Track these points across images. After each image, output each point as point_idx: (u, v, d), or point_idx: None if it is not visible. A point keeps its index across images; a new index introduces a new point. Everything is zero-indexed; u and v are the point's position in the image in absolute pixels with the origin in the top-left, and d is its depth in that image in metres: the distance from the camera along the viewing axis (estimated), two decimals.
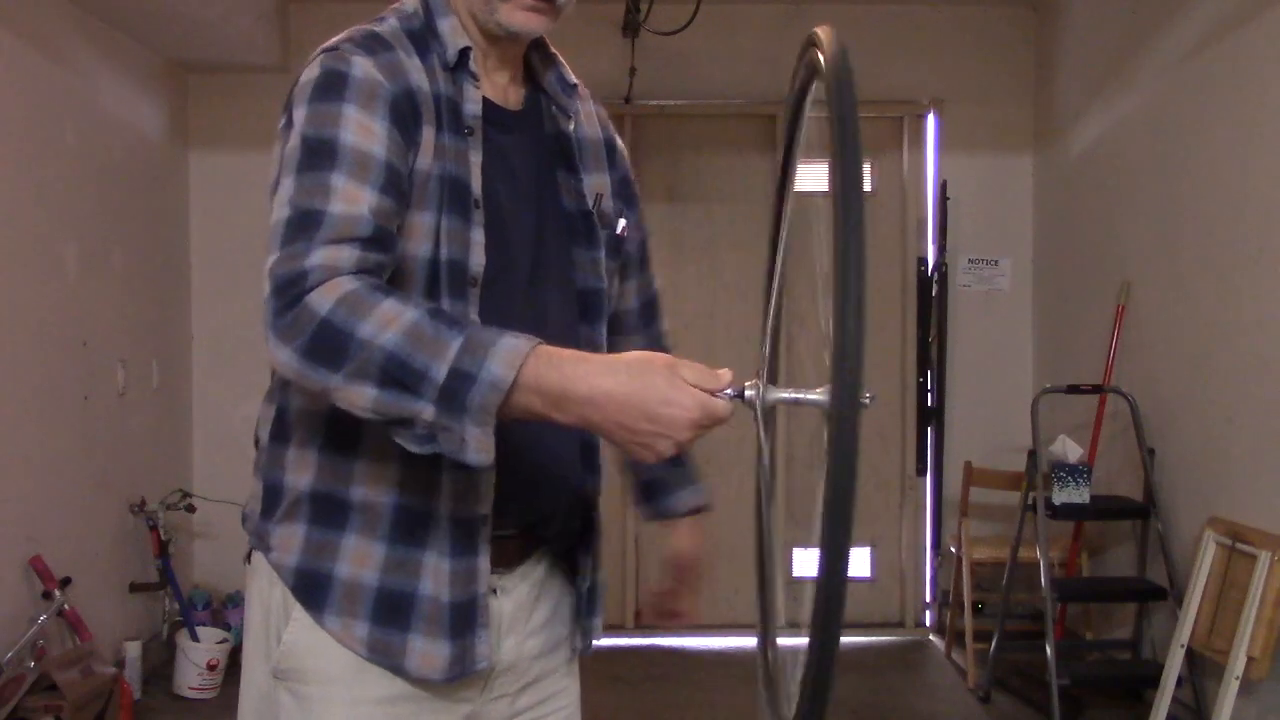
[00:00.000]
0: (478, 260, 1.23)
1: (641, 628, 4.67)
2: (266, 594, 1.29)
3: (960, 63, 4.95)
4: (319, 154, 1.15)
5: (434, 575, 1.24)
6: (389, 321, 1.04)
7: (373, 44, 1.22)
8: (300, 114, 1.19)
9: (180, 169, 4.78)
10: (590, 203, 1.36)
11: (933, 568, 5.03)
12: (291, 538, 1.26)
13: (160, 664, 4.27)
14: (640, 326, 1.57)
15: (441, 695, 1.28)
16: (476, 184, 1.24)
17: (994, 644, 4.06)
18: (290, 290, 1.08)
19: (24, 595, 3.46)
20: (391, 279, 1.17)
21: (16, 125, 3.50)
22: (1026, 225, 5.00)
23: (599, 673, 4.47)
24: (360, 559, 1.24)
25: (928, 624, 5.06)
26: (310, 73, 1.21)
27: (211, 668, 4.11)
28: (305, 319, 1.06)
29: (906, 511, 5.06)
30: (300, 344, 1.06)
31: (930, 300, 4.97)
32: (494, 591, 1.30)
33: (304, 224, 1.12)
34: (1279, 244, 3.24)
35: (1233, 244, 3.47)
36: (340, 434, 1.24)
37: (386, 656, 1.24)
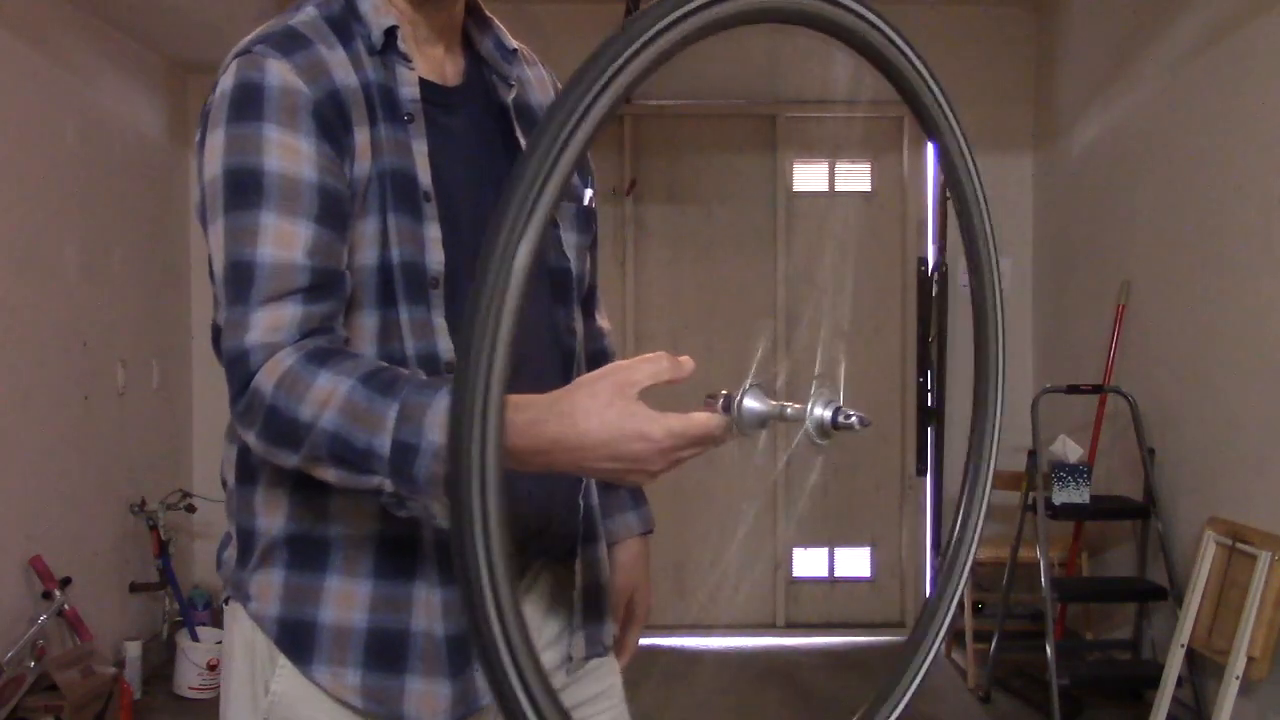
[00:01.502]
0: (435, 258, 1.13)
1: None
2: (250, 639, 1.20)
3: (960, 63, 4.95)
4: (243, 189, 1.06)
5: (425, 609, 1.15)
6: (325, 401, 1.00)
7: (288, 42, 1.11)
8: (218, 139, 1.09)
9: (180, 169, 4.78)
10: None
11: (933, 568, 5.03)
12: (269, 586, 1.18)
13: (160, 664, 4.27)
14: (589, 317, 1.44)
15: None
16: (424, 175, 1.14)
17: (994, 644, 4.06)
18: (238, 372, 1.07)
19: (24, 595, 3.46)
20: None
21: (16, 125, 3.50)
22: (1026, 225, 5.00)
23: None
24: (345, 601, 1.15)
25: None
26: (225, 83, 1.10)
27: (211, 668, 4.11)
28: (256, 405, 1.05)
29: (906, 511, 5.07)
30: (258, 430, 1.05)
31: (930, 300, 4.97)
32: None
33: (239, 279, 1.06)
34: (1278, 243, 3.24)
35: (1233, 244, 3.47)
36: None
37: (383, 704, 1.15)
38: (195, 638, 4.18)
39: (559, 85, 1.29)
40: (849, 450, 4.84)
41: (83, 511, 3.89)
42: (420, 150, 1.14)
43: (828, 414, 0.89)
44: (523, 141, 1.20)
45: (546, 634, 1.29)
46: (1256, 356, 3.34)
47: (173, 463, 4.67)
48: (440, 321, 1.14)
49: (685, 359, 0.97)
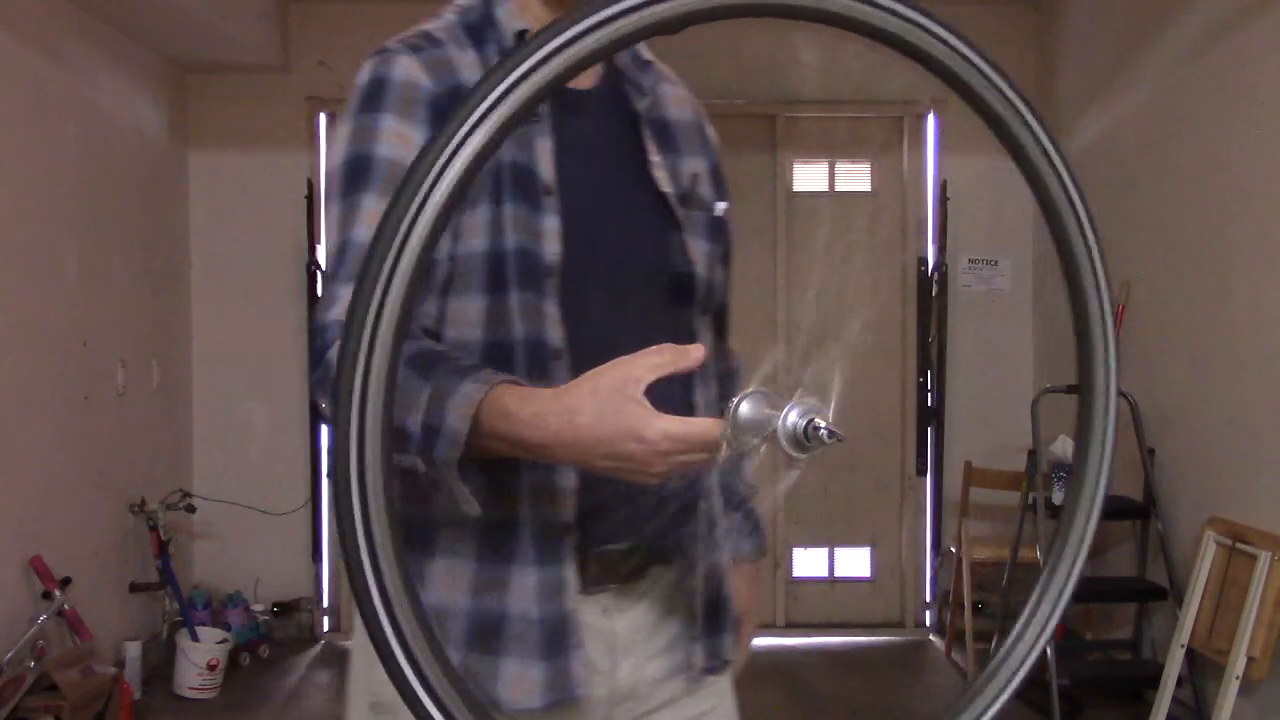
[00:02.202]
0: (552, 249, 1.15)
1: None
2: None
3: None
4: (355, 174, 1.14)
5: (521, 589, 1.15)
6: None
7: (420, 42, 1.18)
8: (344, 129, 1.17)
9: (180, 169, 4.78)
10: (685, 184, 1.27)
11: (933, 568, 5.03)
12: None
13: (160, 664, 4.27)
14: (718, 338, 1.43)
15: None
16: (546, 170, 1.17)
17: (994, 644, 4.06)
18: (315, 344, 1.10)
19: (24, 595, 3.46)
20: (452, 279, 1.15)
21: (16, 125, 3.50)
22: (1026, 225, 5.00)
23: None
24: (450, 583, 1.16)
25: (928, 624, 5.06)
26: (359, 78, 1.19)
27: (211, 668, 4.11)
28: (325, 378, 1.07)
29: (906, 511, 5.06)
30: (326, 401, 1.06)
31: (930, 300, 4.97)
32: (603, 611, 1.20)
33: (338, 258, 1.12)
34: (1279, 244, 3.24)
35: (1233, 244, 3.47)
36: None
37: (476, 686, 1.14)
38: (195, 638, 4.18)
39: (697, 104, 1.36)
40: (849, 450, 4.83)
41: (83, 511, 3.89)
42: (544, 147, 1.17)
43: (802, 423, 0.82)
44: (650, 152, 1.24)
45: (660, 640, 1.26)
46: (1256, 356, 3.34)
47: (173, 463, 4.67)
48: (553, 310, 1.14)
49: (694, 347, 0.97)
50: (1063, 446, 3.99)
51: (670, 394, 1.08)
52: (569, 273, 1.16)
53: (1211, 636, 3.34)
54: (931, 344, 4.96)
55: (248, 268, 4.84)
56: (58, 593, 3.50)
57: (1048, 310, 4.92)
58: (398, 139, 1.13)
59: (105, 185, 4.09)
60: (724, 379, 1.38)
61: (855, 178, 5.09)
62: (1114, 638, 4.29)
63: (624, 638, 1.22)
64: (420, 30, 1.21)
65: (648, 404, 0.93)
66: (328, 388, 1.03)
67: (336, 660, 4.67)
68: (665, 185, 1.24)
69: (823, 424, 0.81)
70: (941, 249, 4.95)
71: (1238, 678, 3.11)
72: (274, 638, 4.71)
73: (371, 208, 1.11)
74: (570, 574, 1.15)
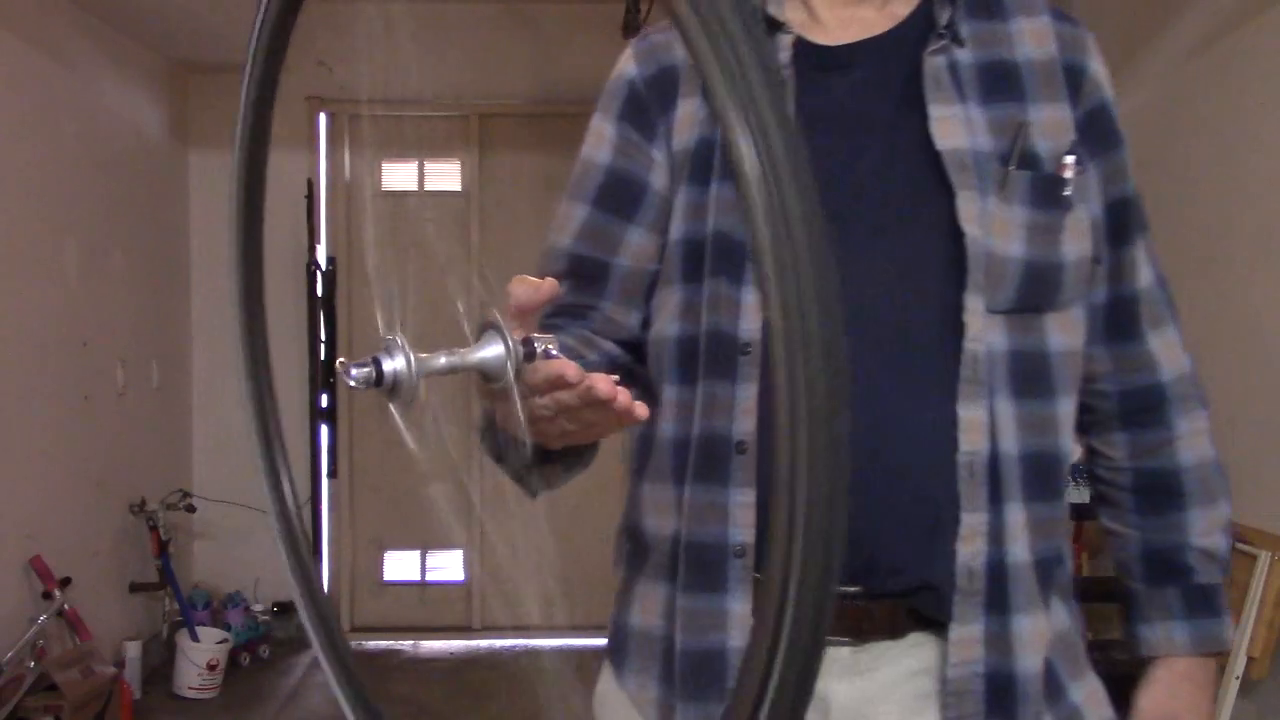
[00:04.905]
0: None
1: None
2: None
3: None
4: (571, 177, 1.13)
5: (681, 615, 1.01)
6: None
7: (657, 28, 1.13)
8: None
9: (180, 169, 4.78)
10: (1004, 139, 1.00)
11: None
12: (619, 580, 1.12)
13: (160, 664, 4.28)
14: (1104, 338, 1.10)
15: None
16: None
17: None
18: None
19: (24, 595, 3.46)
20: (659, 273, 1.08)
21: (16, 125, 3.50)
22: None
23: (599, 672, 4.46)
24: (648, 604, 1.05)
25: None
26: None
27: (211, 668, 4.11)
28: None
29: None
30: None
31: None
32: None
33: (541, 257, 1.12)
34: (1278, 244, 3.24)
35: (1234, 244, 3.47)
36: (639, 457, 1.09)
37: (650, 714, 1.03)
38: (195, 638, 4.17)
39: (1074, 40, 1.08)
40: None
41: (83, 511, 3.89)
42: None
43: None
44: (930, 101, 1.00)
45: None
46: (1256, 356, 3.34)
47: (173, 463, 4.67)
48: (753, 298, 0.98)
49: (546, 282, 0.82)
50: None
51: (915, 371, 0.96)
52: None
53: None
54: None
55: None
56: (58, 593, 3.50)
57: None
58: (593, 136, 1.12)
59: (105, 185, 4.09)
60: (1130, 397, 1.11)
61: None
62: (1114, 638, 4.28)
63: (847, 709, 0.98)
64: None
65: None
66: None
67: None
68: (946, 142, 0.99)
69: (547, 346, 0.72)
70: None
71: (1238, 678, 3.11)
72: (274, 638, 4.71)
73: (561, 210, 1.11)
74: (735, 604, 0.98)
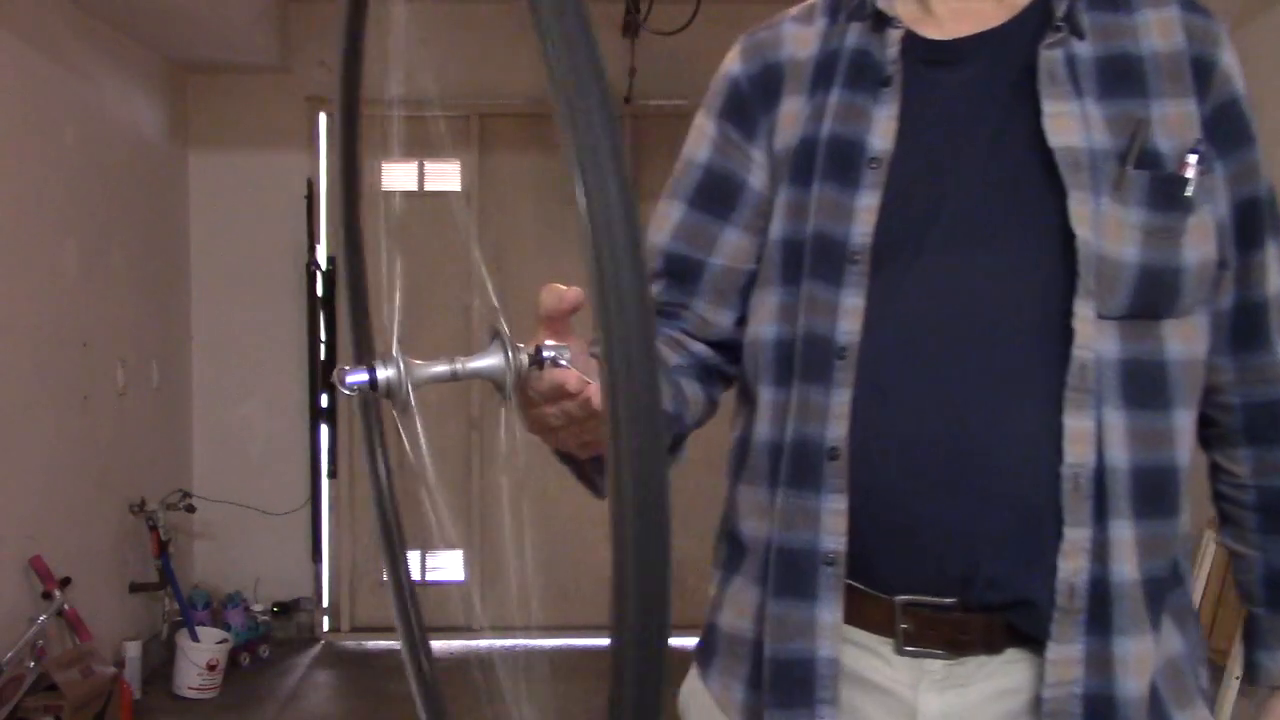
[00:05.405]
0: (860, 231, 0.97)
1: None
2: None
3: None
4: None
5: (768, 620, 0.99)
6: None
7: (763, 24, 1.13)
8: None
9: (180, 169, 4.78)
10: (1120, 137, 0.95)
11: None
12: (711, 583, 1.12)
13: (160, 664, 4.27)
14: (1230, 347, 1.03)
15: None
16: (878, 140, 0.99)
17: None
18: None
19: (24, 595, 3.46)
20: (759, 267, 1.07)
21: (16, 125, 3.50)
22: None
23: (599, 672, 4.47)
24: (741, 607, 1.05)
25: None
26: None
27: (211, 668, 4.11)
28: None
29: None
30: None
31: None
32: (911, 680, 0.97)
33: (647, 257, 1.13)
34: None
35: None
36: (736, 459, 1.08)
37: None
38: (195, 638, 4.17)
39: (1202, 32, 1.01)
40: None
41: (83, 511, 3.89)
42: (880, 115, 1.00)
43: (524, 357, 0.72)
44: (1043, 96, 0.96)
45: None
46: None
47: (173, 463, 4.67)
48: (851, 301, 0.96)
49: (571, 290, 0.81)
50: None
51: (1013, 381, 0.93)
52: (886, 255, 0.97)
53: (1212, 636, 3.34)
54: None
55: (248, 268, 4.85)
56: (57, 593, 3.50)
57: None
58: (695, 134, 1.13)
59: (105, 185, 4.09)
60: (1255, 411, 1.05)
61: None
62: None
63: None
64: (806, 3, 1.12)
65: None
66: None
67: (336, 660, 4.67)
68: (1059, 139, 0.94)
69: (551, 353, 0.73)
70: None
71: (1237, 678, 3.11)
72: (274, 638, 4.71)
73: (660, 207, 1.12)
74: (825, 613, 0.96)
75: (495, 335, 0.70)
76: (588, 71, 0.45)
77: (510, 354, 0.69)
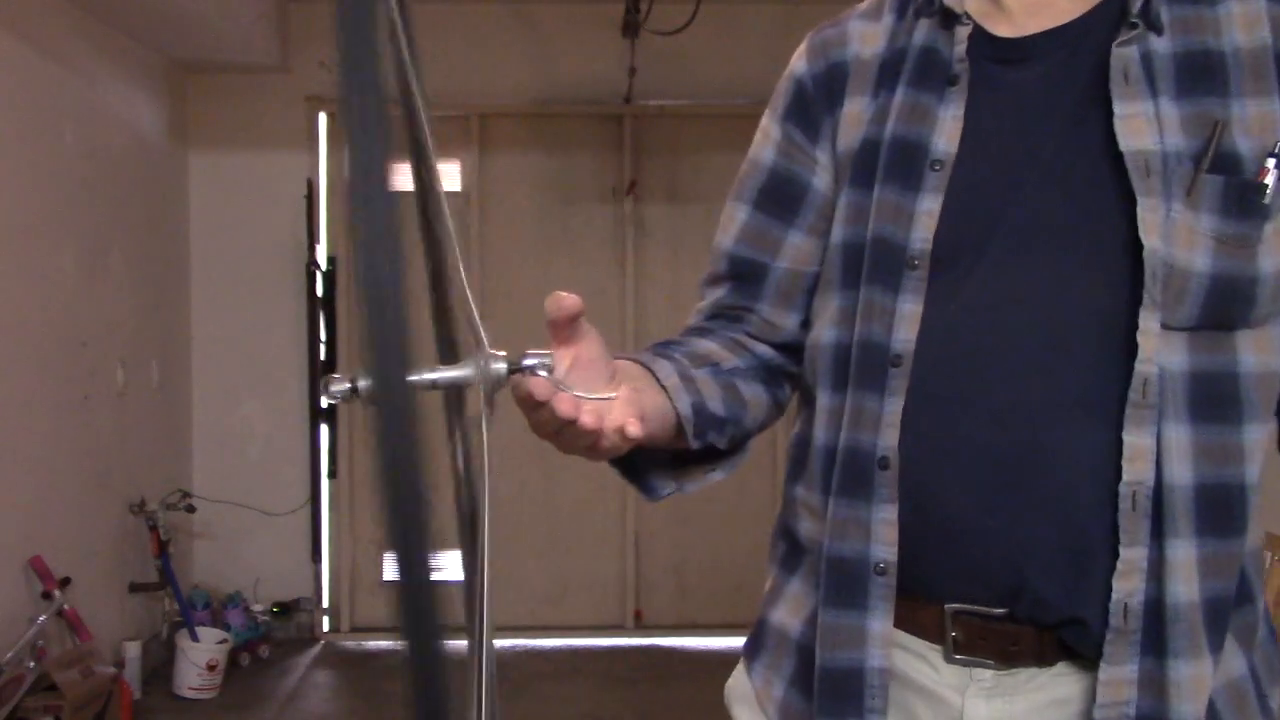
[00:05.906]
0: (920, 235, 0.95)
1: (641, 628, 4.65)
2: None
3: None
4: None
5: (820, 627, 0.99)
6: None
7: (829, 21, 1.11)
8: None
9: (180, 169, 4.78)
10: (1203, 137, 0.90)
11: None
12: (768, 578, 1.12)
13: (160, 664, 4.28)
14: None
15: None
16: (943, 141, 0.97)
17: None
18: None
19: (24, 595, 3.46)
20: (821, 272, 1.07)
21: (16, 125, 3.50)
22: None
23: (599, 672, 4.47)
24: (795, 605, 1.06)
25: None
26: None
27: (211, 668, 4.11)
28: None
29: None
30: None
31: None
32: (959, 686, 0.96)
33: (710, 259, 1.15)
34: None
35: None
36: (794, 460, 1.08)
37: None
38: (195, 638, 4.18)
39: None
40: None
41: (83, 511, 3.89)
42: (949, 114, 0.97)
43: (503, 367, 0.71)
44: (1115, 97, 0.92)
45: None
46: None
47: (173, 463, 4.67)
48: (908, 308, 0.95)
49: (565, 296, 0.84)
50: None
51: (1081, 401, 0.90)
52: (947, 258, 0.94)
53: None
54: None
55: (248, 268, 4.85)
56: (57, 593, 3.50)
57: None
58: (761, 136, 1.13)
59: (105, 185, 4.09)
60: None
61: None
62: None
63: None
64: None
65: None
66: None
67: (336, 660, 4.67)
68: (1130, 142, 0.90)
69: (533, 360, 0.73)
70: None
71: None
72: (274, 638, 4.71)
73: (726, 211, 1.13)
74: (875, 623, 0.96)
75: (477, 344, 0.70)
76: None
77: (483, 362, 0.69)
